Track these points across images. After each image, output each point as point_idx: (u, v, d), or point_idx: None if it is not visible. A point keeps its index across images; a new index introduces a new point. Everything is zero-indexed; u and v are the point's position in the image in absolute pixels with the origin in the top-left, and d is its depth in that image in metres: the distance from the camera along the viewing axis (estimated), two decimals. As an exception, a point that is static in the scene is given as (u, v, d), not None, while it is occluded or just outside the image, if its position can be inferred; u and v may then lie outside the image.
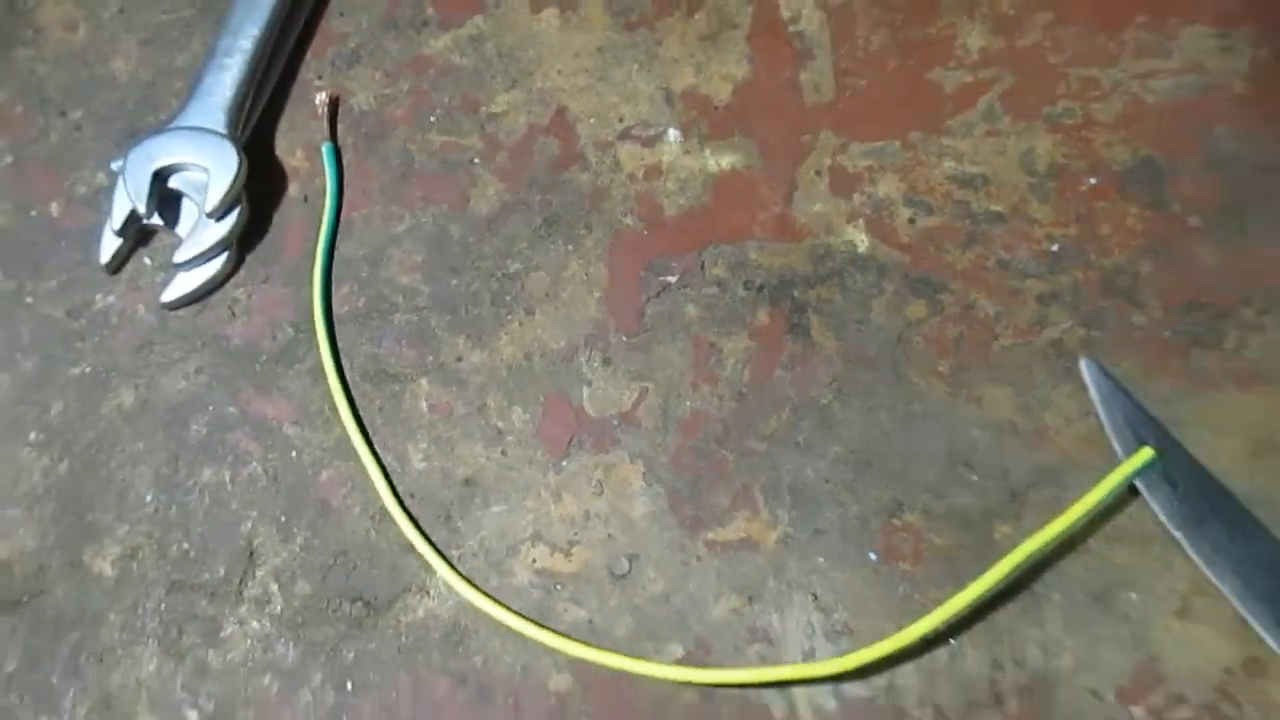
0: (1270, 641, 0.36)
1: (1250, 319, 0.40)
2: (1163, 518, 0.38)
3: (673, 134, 0.46)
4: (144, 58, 0.50)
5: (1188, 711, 0.36)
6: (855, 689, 0.37)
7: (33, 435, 0.44)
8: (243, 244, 0.46)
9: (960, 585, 0.37)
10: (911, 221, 0.43)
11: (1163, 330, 0.40)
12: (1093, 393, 0.39)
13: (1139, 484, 0.38)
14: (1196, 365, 0.40)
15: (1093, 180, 0.43)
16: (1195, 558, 0.37)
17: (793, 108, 0.46)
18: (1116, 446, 0.39)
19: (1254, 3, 0.44)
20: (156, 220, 0.45)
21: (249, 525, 0.42)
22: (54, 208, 0.48)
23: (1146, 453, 0.38)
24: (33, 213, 0.48)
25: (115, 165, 0.47)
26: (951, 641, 0.38)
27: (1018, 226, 0.42)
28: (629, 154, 0.46)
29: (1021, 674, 0.37)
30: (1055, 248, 0.42)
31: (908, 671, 0.38)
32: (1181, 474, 0.38)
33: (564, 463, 0.41)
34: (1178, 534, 0.37)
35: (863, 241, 0.43)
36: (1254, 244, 0.41)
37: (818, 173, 0.45)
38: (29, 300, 0.46)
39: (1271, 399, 0.39)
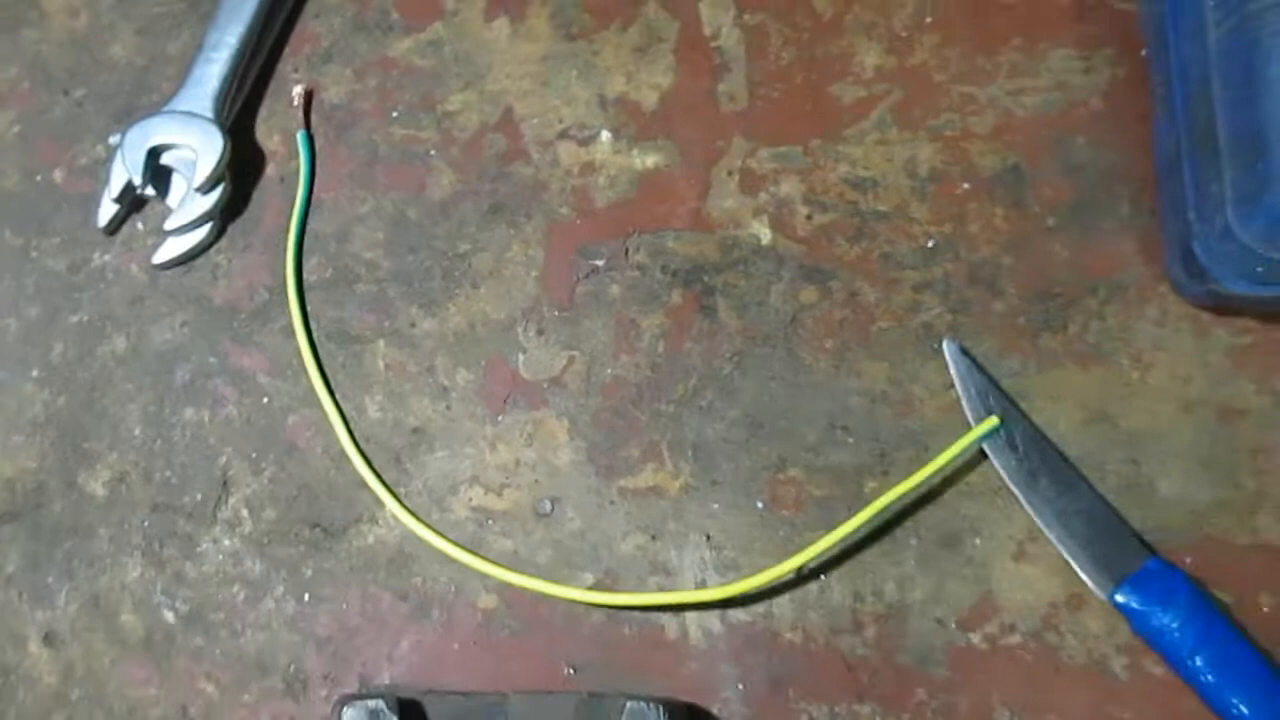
0: (1088, 581, 0.41)
1: (1093, 307, 0.45)
2: (1004, 475, 0.43)
3: (605, 135, 0.49)
4: (139, 45, 0.52)
5: (1017, 638, 0.42)
6: (738, 614, 0.43)
7: (36, 372, 0.48)
8: (225, 216, 0.49)
9: (832, 529, 0.42)
10: (808, 218, 0.47)
11: (1018, 316, 0.45)
12: (952, 369, 0.44)
13: (985, 447, 0.43)
14: (1044, 346, 0.45)
15: (966, 185, 0.47)
16: (1029, 510, 0.42)
17: (710, 115, 0.49)
18: (969, 415, 0.43)
19: (1114, 28, 0.48)
20: (150, 191, 0.49)
21: (224, 459, 0.46)
22: (57, 175, 0.51)
23: (992, 421, 0.43)
24: (38, 178, 0.51)
25: (113, 139, 0.50)
26: (822, 577, 0.43)
27: (899, 224, 0.47)
28: (567, 151, 0.49)
29: (879, 605, 0.42)
30: (930, 243, 0.47)
31: (783, 601, 0.43)
32: (1021, 439, 0.43)
33: (500, 417, 0.46)
34: (1016, 489, 0.42)
35: (765, 234, 0.47)
36: (1101, 242, 0.46)
37: (729, 173, 0.48)
38: (34, 255, 0.50)
39: (1106, 377, 0.44)
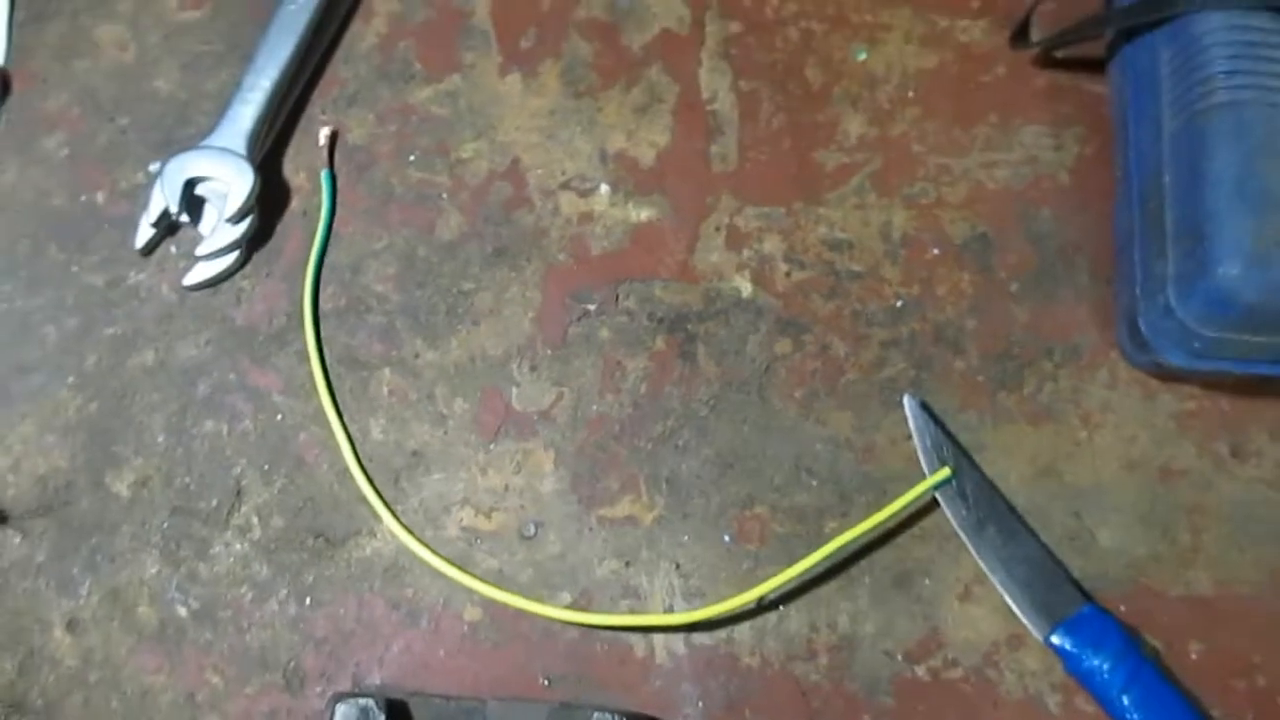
0: (1027, 623, 0.44)
1: (1048, 370, 0.48)
2: (954, 523, 0.46)
3: (604, 188, 0.52)
4: (182, 80, 0.55)
5: (959, 672, 0.45)
6: (702, 638, 0.46)
7: (71, 379, 0.50)
8: (251, 245, 0.52)
9: (793, 564, 0.45)
10: (788, 275, 0.50)
11: (978, 374, 0.48)
12: (910, 422, 0.47)
13: (938, 495, 0.46)
14: (1001, 404, 0.48)
15: (936, 250, 0.50)
16: (976, 555, 0.45)
17: (702, 174, 0.52)
18: (924, 465, 0.46)
19: (1085, 109, 0.52)
20: (184, 218, 0.51)
21: (239, 469, 0.48)
22: (100, 197, 0.53)
23: (945, 471, 0.46)
24: (82, 199, 0.53)
25: (153, 167, 0.53)
26: (781, 608, 0.46)
27: (871, 284, 0.50)
28: (567, 201, 0.52)
29: (833, 636, 0.45)
30: (899, 303, 0.50)
31: (744, 628, 0.46)
32: (972, 489, 0.46)
33: (492, 445, 0.49)
34: (964, 536, 0.45)
35: (747, 288, 0.50)
36: (1059, 308, 0.49)
37: (717, 229, 0.51)
38: (74, 270, 0.52)
39: (1056, 434, 0.47)
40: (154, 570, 0.48)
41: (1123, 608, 0.45)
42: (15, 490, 0.49)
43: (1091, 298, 0.49)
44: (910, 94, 0.53)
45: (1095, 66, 0.52)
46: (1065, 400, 0.48)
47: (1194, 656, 0.45)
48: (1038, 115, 0.52)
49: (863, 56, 0.54)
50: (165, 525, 0.48)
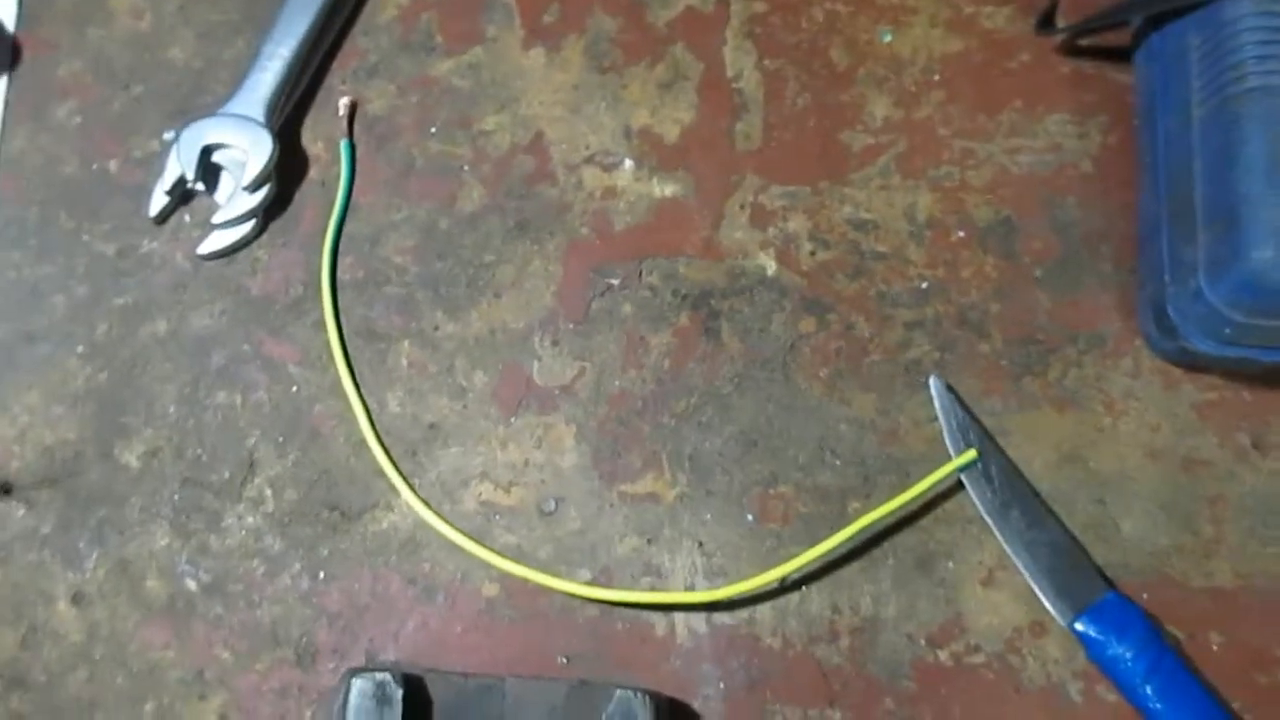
0: (1050, 609, 0.44)
1: (1072, 356, 0.48)
2: (979, 505, 0.45)
3: (628, 163, 0.52)
4: (197, 48, 0.55)
5: (982, 658, 0.44)
6: (723, 618, 0.45)
7: (80, 348, 0.49)
8: (268, 214, 0.51)
9: (816, 544, 0.45)
10: (812, 254, 0.50)
11: (1001, 359, 0.48)
12: (936, 403, 0.47)
13: (963, 478, 0.46)
14: (1024, 389, 0.48)
15: (961, 233, 0.50)
16: (1000, 539, 0.45)
17: (726, 151, 0.52)
18: (950, 447, 0.46)
19: (1108, 98, 0.52)
20: (200, 186, 0.51)
21: (252, 441, 0.48)
22: (112, 165, 0.52)
23: (971, 454, 0.46)
24: (94, 167, 0.52)
25: (167, 135, 0.52)
26: (803, 588, 0.45)
27: (896, 265, 0.50)
28: (591, 176, 0.52)
29: (855, 618, 0.45)
30: (924, 285, 0.49)
31: (765, 608, 0.45)
32: (997, 473, 0.46)
33: (512, 419, 0.48)
34: (989, 519, 0.45)
35: (771, 266, 0.50)
36: (1083, 295, 0.49)
37: (741, 207, 0.51)
38: (85, 239, 0.51)
39: (1079, 421, 0.47)
40: (163, 543, 0.47)
41: (1145, 596, 0.45)
42: (21, 461, 0.48)
43: (1115, 286, 0.49)
44: (935, 78, 0.53)
45: (1119, 55, 0.52)
46: (1089, 387, 0.48)
47: (1215, 648, 0.44)
48: (1062, 103, 0.52)
49: (888, 39, 0.53)
50: (176, 497, 0.47)
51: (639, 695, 0.41)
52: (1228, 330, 0.44)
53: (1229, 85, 0.44)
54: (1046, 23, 0.52)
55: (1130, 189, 0.50)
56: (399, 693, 0.41)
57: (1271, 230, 0.41)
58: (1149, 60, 0.49)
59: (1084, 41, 0.53)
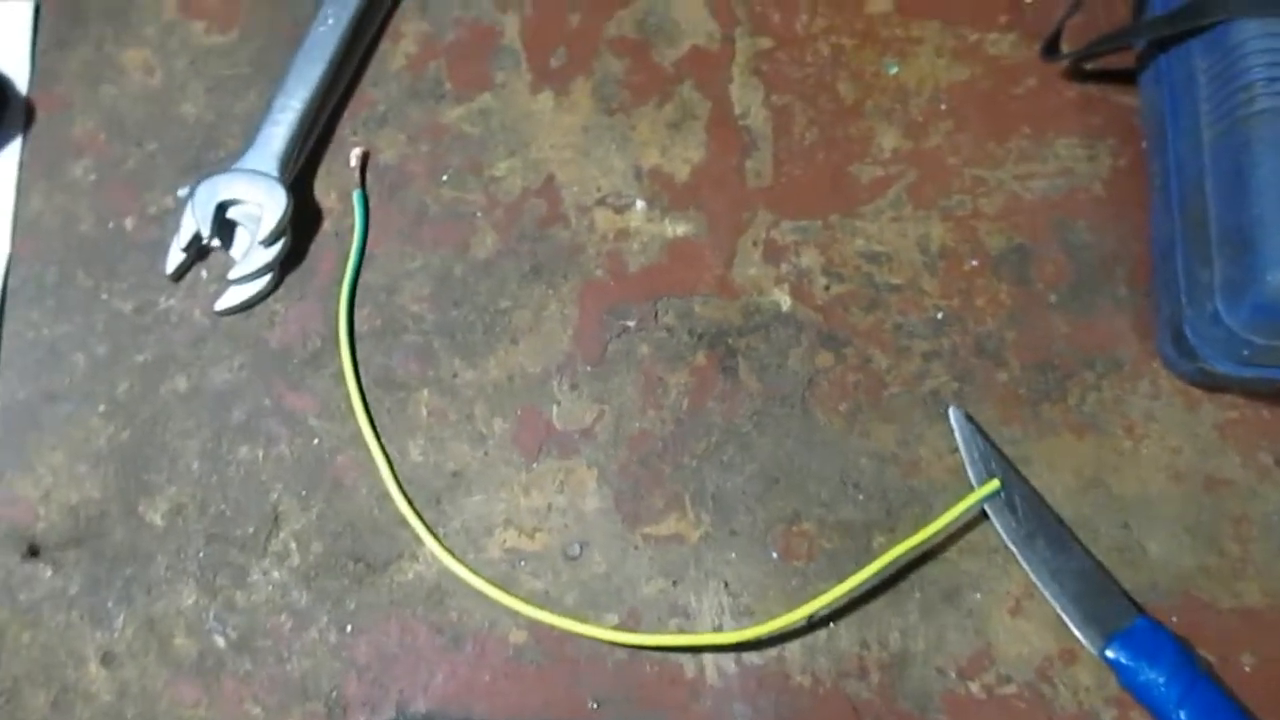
0: (1080, 636, 0.44)
1: (1090, 380, 0.48)
2: (1003, 535, 0.45)
3: (640, 204, 0.52)
4: (209, 103, 0.55)
5: (1013, 689, 0.44)
6: (752, 658, 0.45)
7: (102, 407, 0.50)
8: (284, 267, 0.51)
9: (842, 580, 0.44)
10: (826, 288, 0.50)
11: (1020, 386, 0.48)
12: (957, 434, 0.47)
13: (986, 508, 0.45)
14: (1044, 415, 0.47)
15: (974, 261, 0.50)
16: (1027, 568, 0.45)
17: (737, 189, 0.52)
18: (972, 477, 0.46)
19: (1116, 120, 0.52)
20: (215, 242, 0.51)
21: (275, 495, 0.48)
22: (128, 222, 0.53)
23: (994, 483, 0.45)
24: (110, 225, 0.53)
25: (182, 191, 0.52)
26: (831, 625, 0.45)
27: (911, 296, 0.50)
28: (603, 218, 0.52)
29: (884, 653, 0.45)
30: (939, 315, 0.49)
31: (794, 646, 0.45)
32: (1020, 501, 0.45)
33: (534, 465, 0.48)
34: (1014, 548, 0.45)
35: (786, 302, 0.50)
36: (1098, 319, 0.49)
37: (754, 243, 0.51)
38: (104, 297, 0.52)
39: (1100, 445, 0.47)
40: (190, 600, 0.47)
41: (1174, 619, 0.45)
42: (46, 522, 0.49)
43: (1131, 308, 0.49)
44: (943, 107, 0.53)
45: (1125, 78, 0.52)
46: (1108, 411, 0.48)
47: (1247, 669, 0.44)
48: (1070, 127, 0.52)
49: (894, 70, 0.54)
50: (201, 554, 0.47)
51: (671, 740, 0.41)
52: (1246, 352, 0.44)
53: (1239, 108, 0.44)
54: (1052, 49, 0.52)
55: (1142, 210, 0.50)
56: (432, 745, 0.41)
57: (1287, 253, 0.41)
58: (1156, 83, 0.50)
59: (1089, 65, 0.53)
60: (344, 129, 0.55)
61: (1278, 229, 0.42)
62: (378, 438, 0.49)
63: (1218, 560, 0.46)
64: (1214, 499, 0.46)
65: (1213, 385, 0.47)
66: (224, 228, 0.52)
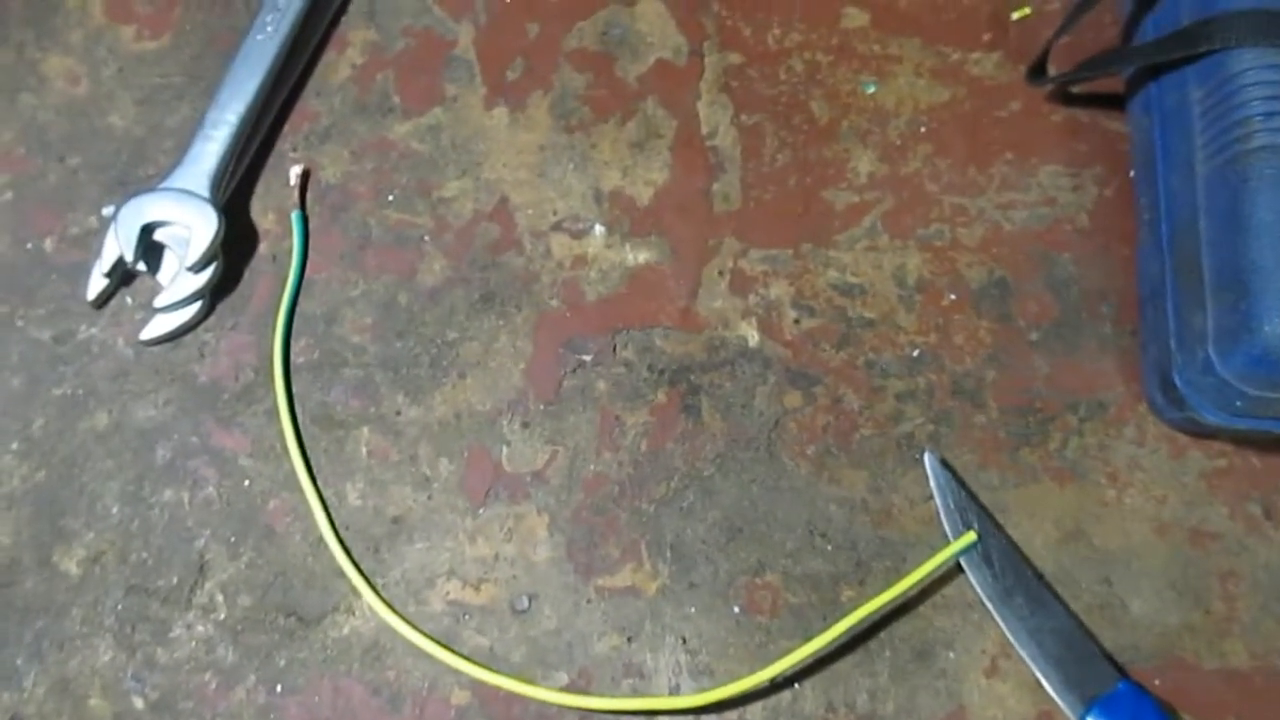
0: (1059, 701, 0.42)
1: (1073, 424, 0.46)
2: (979, 591, 0.43)
3: (599, 229, 0.50)
4: (138, 115, 0.52)
5: None
6: None
7: (15, 445, 0.47)
8: (215, 294, 0.49)
9: (809, 638, 0.42)
10: (796, 322, 0.48)
11: (999, 430, 0.46)
12: (932, 481, 0.45)
13: (962, 561, 0.43)
14: (1023, 461, 0.45)
15: (953, 296, 0.48)
16: (1003, 626, 0.43)
17: (703, 214, 0.50)
18: (947, 528, 0.44)
19: (1103, 148, 0.50)
20: (141, 267, 0.48)
21: (202, 542, 0.45)
22: (48, 243, 0.50)
23: (970, 536, 0.43)
24: (29, 246, 0.50)
25: (106, 210, 0.49)
26: (796, 685, 0.43)
27: (885, 332, 0.47)
28: (559, 244, 0.49)
29: (852, 716, 0.42)
30: (915, 353, 0.47)
31: (756, 709, 0.43)
32: (997, 555, 0.43)
33: (481, 510, 0.46)
34: (990, 605, 0.43)
35: (753, 336, 0.48)
36: (1082, 359, 0.47)
37: (720, 273, 0.49)
38: (19, 324, 0.49)
39: (1082, 494, 0.45)
40: (107, 657, 0.44)
41: (1157, 682, 0.43)
42: (-49, 569, 0.45)
43: (1116, 348, 0.47)
44: (922, 129, 0.51)
45: (1113, 102, 0.50)
46: (1091, 457, 0.46)
47: (1231, 734, 0.42)
48: (1055, 154, 0.50)
49: (872, 90, 0.51)
50: (120, 606, 0.45)
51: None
52: (1239, 403, 0.41)
53: (1235, 143, 0.41)
54: (1038, 72, 0.49)
55: (1129, 244, 0.48)
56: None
57: (1285, 301, 0.39)
58: (1146, 111, 0.47)
59: (1076, 89, 0.51)
60: (283, 145, 0.52)
61: (1275, 277, 0.39)
62: (313, 480, 0.46)
63: (1203, 618, 0.44)
64: (1200, 553, 0.45)
65: (1200, 432, 0.45)
66: (150, 251, 0.49)
